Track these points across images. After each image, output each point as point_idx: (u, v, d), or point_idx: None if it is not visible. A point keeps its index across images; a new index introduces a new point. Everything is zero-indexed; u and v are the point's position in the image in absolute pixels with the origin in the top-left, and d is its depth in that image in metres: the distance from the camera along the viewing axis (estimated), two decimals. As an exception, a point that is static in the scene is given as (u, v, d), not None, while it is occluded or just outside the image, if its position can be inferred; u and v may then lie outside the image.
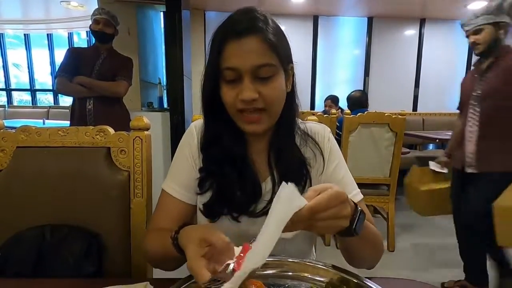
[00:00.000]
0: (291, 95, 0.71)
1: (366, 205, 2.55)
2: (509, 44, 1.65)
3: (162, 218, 0.75)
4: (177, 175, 0.76)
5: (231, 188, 0.69)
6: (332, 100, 3.80)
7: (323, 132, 0.77)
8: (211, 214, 0.71)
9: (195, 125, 0.78)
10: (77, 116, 2.18)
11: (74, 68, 2.13)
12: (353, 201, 0.51)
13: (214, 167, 0.70)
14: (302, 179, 0.70)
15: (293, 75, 0.71)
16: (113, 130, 0.90)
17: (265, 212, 0.68)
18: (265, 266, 0.62)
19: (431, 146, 4.56)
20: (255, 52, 0.60)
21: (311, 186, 0.69)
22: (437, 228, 2.82)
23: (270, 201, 0.68)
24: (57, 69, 2.18)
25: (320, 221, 0.45)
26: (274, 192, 0.69)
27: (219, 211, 0.70)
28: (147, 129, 0.91)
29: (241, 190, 0.69)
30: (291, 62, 0.69)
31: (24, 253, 0.78)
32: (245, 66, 0.60)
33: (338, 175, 0.74)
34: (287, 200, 0.43)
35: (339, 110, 3.61)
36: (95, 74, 2.15)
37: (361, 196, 0.74)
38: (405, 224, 2.83)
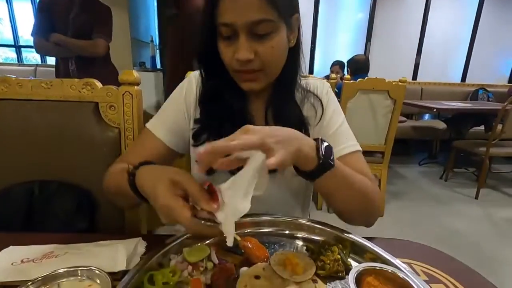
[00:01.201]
0: (295, 50, 0.65)
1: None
2: None
3: (135, 154, 0.70)
4: (166, 116, 0.73)
5: None
6: (341, 65, 3.61)
7: (321, 86, 0.75)
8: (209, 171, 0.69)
9: (195, 75, 0.74)
10: (62, 77, 2.05)
11: (49, 24, 1.95)
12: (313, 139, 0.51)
13: (212, 122, 0.67)
14: None
15: (299, 27, 0.64)
16: (100, 84, 0.84)
17: None
18: (260, 225, 0.61)
19: (426, 116, 4.55)
20: (251, 6, 0.53)
21: None
22: (425, 193, 2.90)
23: None
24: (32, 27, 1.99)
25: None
26: None
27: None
28: (137, 84, 0.85)
29: None
30: (296, 12, 0.63)
31: (13, 208, 0.76)
32: (240, 22, 0.54)
33: (333, 126, 0.71)
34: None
35: (339, 76, 3.48)
36: (70, 29, 1.96)
37: (356, 148, 0.69)
38: (395, 191, 2.90)
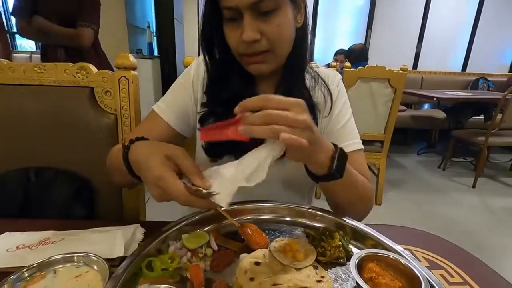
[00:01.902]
0: (303, 31, 0.63)
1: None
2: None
3: (140, 134, 0.70)
4: (173, 100, 0.72)
5: None
6: (345, 55, 3.53)
7: (333, 76, 0.74)
8: (215, 153, 0.68)
9: (198, 60, 0.73)
10: None
11: (31, 3, 1.70)
12: (333, 143, 0.51)
13: (220, 108, 0.65)
14: None
15: (305, 6, 0.62)
16: (95, 68, 0.82)
17: None
18: (260, 211, 0.60)
19: (426, 106, 4.53)
20: None
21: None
22: (422, 183, 2.92)
23: None
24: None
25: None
26: None
27: (223, 150, 0.67)
28: (134, 69, 0.83)
29: None
30: None
31: (8, 195, 0.75)
32: (242, 3, 0.53)
33: (341, 120, 0.71)
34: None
35: (341, 65, 3.40)
36: (55, 12, 1.72)
37: (359, 147, 0.71)
38: (393, 180, 2.91)
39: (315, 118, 0.68)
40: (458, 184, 2.92)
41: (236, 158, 0.60)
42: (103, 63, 1.92)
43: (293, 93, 0.65)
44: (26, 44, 6.25)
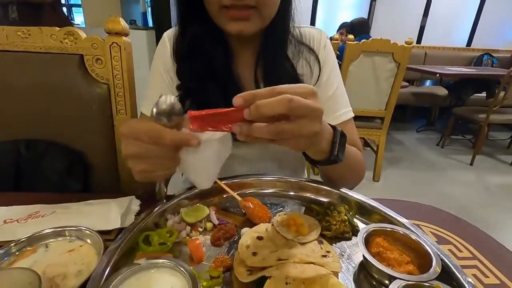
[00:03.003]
0: None
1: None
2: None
3: None
4: (152, 94, 0.69)
5: (212, 107, 0.60)
6: (346, 29, 3.36)
7: (319, 37, 0.66)
8: None
9: (168, 34, 0.67)
10: None
11: None
12: (331, 125, 0.45)
13: (193, 84, 0.60)
14: None
15: None
16: (84, 34, 0.76)
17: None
18: (263, 185, 0.58)
19: (428, 83, 4.45)
20: None
21: None
22: (421, 160, 2.92)
23: None
24: None
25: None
26: None
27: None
28: (126, 35, 0.77)
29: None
30: None
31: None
32: None
33: (330, 88, 0.65)
34: None
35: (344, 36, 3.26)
36: None
37: (350, 115, 0.66)
38: (392, 157, 2.91)
39: None
40: (456, 161, 2.93)
41: None
42: (62, 22, 1.73)
43: (273, 65, 0.60)
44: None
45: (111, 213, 0.46)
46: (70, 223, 0.42)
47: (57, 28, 0.74)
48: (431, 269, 0.36)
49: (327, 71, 0.65)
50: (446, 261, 0.39)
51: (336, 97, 0.65)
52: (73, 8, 5.53)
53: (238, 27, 0.53)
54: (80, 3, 3.62)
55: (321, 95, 0.64)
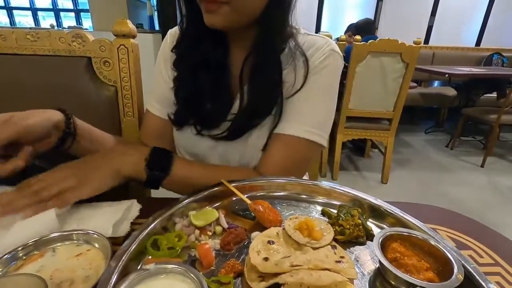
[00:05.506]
0: None
1: (365, 139, 2.54)
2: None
3: (144, 136, 0.73)
4: (155, 91, 0.71)
5: (200, 96, 0.62)
6: (352, 31, 3.29)
7: (323, 48, 0.62)
8: (177, 122, 0.67)
9: (171, 32, 0.69)
10: None
11: None
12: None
13: (187, 75, 0.62)
14: (269, 105, 0.60)
15: None
16: (92, 36, 0.76)
17: (224, 136, 0.63)
18: (272, 188, 0.56)
19: (436, 83, 4.39)
20: None
21: (280, 111, 0.61)
22: (430, 162, 2.87)
23: (233, 124, 0.62)
24: None
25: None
26: (241, 114, 0.61)
27: (185, 120, 0.66)
28: (133, 37, 0.77)
29: (212, 100, 0.62)
30: None
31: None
32: None
33: (304, 101, 0.61)
34: None
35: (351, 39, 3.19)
36: None
37: (309, 136, 0.61)
38: (400, 159, 2.87)
39: (278, 97, 0.60)
40: (466, 163, 2.87)
41: (196, 132, 0.66)
42: None
43: (260, 68, 0.59)
44: (25, 21, 6.09)
45: (101, 221, 0.44)
46: (64, 227, 0.41)
47: (65, 31, 0.74)
48: (453, 276, 0.34)
49: (314, 83, 0.61)
50: (469, 267, 0.37)
51: (301, 111, 0.62)
52: (81, 13, 5.62)
53: (209, 20, 0.53)
54: (88, 8, 3.68)
55: (293, 100, 0.61)
